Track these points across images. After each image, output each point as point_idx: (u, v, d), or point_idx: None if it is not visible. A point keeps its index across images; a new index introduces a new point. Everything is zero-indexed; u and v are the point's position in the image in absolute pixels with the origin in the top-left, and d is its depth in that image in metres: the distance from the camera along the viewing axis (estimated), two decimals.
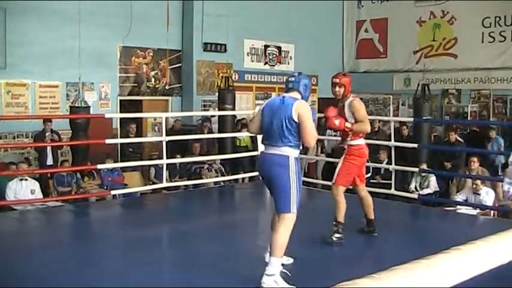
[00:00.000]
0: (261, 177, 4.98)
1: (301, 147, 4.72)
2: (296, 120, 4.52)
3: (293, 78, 4.83)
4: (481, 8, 14.77)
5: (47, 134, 10.74)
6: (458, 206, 8.93)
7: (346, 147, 5.98)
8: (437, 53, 16.08)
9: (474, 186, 8.74)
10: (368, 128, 5.92)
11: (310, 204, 7.89)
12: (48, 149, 10.86)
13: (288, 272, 4.52)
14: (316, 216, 6.61)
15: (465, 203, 8.87)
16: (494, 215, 8.71)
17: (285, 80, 5.01)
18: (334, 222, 5.81)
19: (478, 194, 8.68)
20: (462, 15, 15.35)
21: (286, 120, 4.54)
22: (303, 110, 4.55)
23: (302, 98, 4.74)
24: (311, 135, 4.58)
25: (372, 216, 6.16)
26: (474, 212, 8.69)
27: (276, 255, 4.44)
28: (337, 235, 5.75)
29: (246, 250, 5.84)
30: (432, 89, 15.08)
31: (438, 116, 15.20)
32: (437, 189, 10.16)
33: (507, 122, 13.72)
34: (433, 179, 10.09)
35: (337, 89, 5.89)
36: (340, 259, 5.45)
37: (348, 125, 5.78)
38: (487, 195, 8.69)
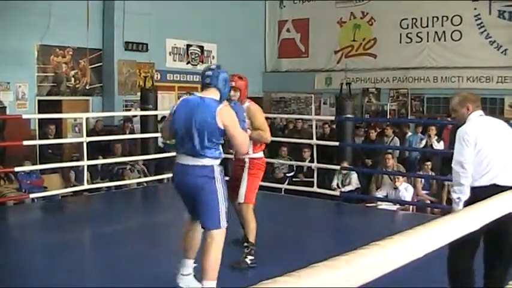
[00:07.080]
0: (178, 192, 4.37)
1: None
2: (222, 127, 4.07)
3: (210, 73, 4.25)
4: (399, 10, 15.21)
5: None
6: (379, 202, 9.17)
7: (246, 160, 5.31)
8: (358, 53, 16.44)
9: (395, 181, 9.01)
10: (268, 137, 5.28)
11: None
12: None
13: None
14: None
15: (385, 198, 9.12)
16: (413, 210, 9.00)
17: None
18: (245, 244, 5.28)
19: (398, 189, 8.93)
20: (381, 16, 15.76)
21: (208, 127, 4.06)
22: (227, 117, 4.11)
23: (221, 96, 4.24)
24: (242, 143, 4.23)
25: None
26: (394, 207, 8.95)
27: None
28: (250, 257, 5.22)
29: (169, 251, 5.78)
30: (353, 88, 15.44)
31: (359, 115, 15.52)
32: (359, 185, 10.36)
33: (425, 120, 14.14)
34: (354, 176, 10.28)
35: (232, 93, 4.98)
36: (262, 257, 5.44)
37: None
38: (406, 191, 8.97)
